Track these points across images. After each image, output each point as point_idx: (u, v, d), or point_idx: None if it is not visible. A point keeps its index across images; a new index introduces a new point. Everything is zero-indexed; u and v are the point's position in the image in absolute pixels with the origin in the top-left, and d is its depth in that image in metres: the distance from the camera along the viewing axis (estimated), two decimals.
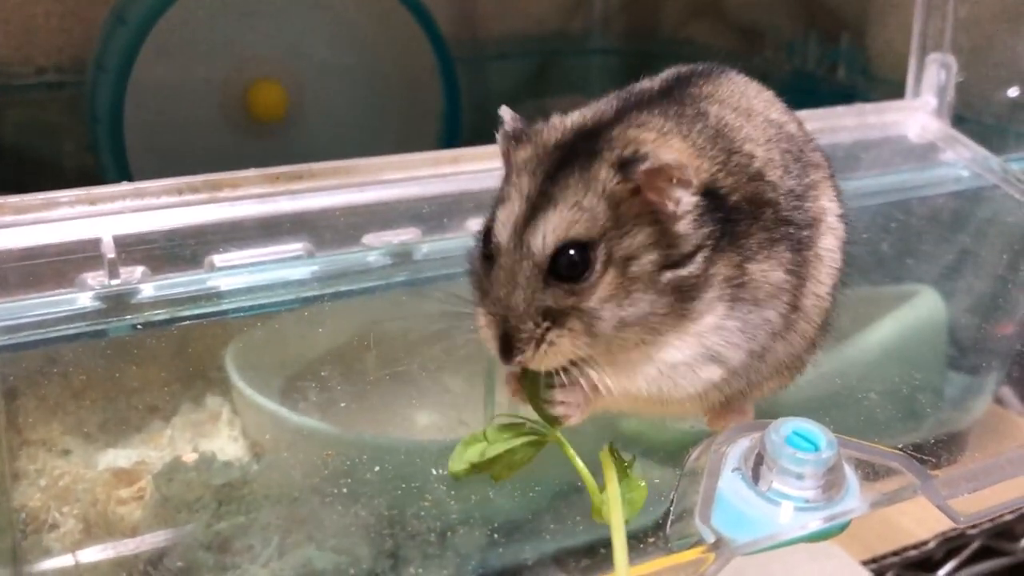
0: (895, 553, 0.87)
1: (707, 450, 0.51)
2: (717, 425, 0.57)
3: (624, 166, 0.49)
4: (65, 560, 0.69)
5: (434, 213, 0.69)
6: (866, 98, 1.31)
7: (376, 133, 1.42)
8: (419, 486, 0.70)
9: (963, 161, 0.87)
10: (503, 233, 0.50)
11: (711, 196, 0.50)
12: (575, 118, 0.53)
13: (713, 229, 0.50)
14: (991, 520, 0.85)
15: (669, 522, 0.49)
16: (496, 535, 0.73)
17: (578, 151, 0.50)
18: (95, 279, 0.61)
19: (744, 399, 0.57)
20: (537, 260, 0.49)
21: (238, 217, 0.66)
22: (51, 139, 1.38)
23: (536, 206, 0.49)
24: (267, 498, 0.75)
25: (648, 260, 0.50)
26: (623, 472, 0.53)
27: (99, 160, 1.22)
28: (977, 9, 0.95)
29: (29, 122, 1.37)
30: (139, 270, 0.62)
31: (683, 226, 0.50)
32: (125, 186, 0.64)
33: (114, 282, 0.61)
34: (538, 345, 0.50)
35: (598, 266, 0.49)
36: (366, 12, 1.33)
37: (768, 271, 0.52)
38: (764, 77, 1.45)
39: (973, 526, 0.87)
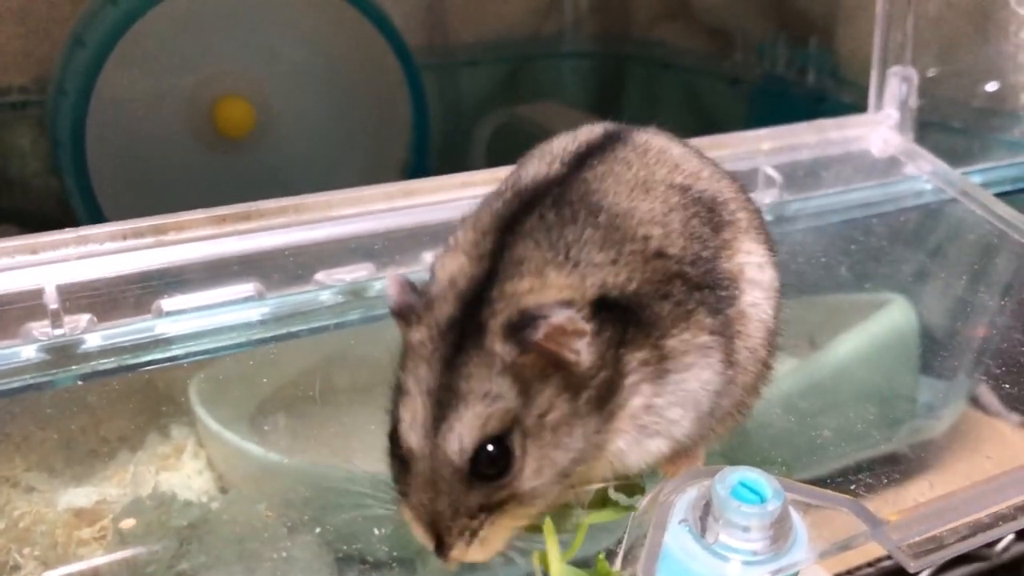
0: (869, 564, 0.86)
1: (655, 500, 0.51)
2: (668, 470, 0.57)
3: (516, 334, 0.47)
4: None
5: (387, 248, 0.69)
6: (835, 101, 1.31)
7: (345, 146, 1.41)
8: (386, 515, 0.70)
9: (925, 175, 0.87)
10: (413, 437, 0.48)
11: (604, 303, 0.49)
12: (458, 274, 0.50)
13: (613, 333, 0.49)
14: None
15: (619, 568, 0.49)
16: (467, 563, 0.72)
17: (467, 327, 0.48)
18: (39, 330, 0.60)
19: (695, 443, 0.57)
20: (457, 466, 0.47)
21: (185, 260, 0.65)
22: (16, 159, 1.37)
23: (442, 403, 0.47)
24: (231, 535, 0.74)
25: (562, 403, 0.48)
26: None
27: (63, 183, 1.21)
28: (940, 18, 0.95)
29: None
30: (85, 318, 0.61)
31: (585, 359, 0.48)
32: (67, 233, 0.63)
33: (58, 332, 0.60)
34: (472, 539, 0.48)
35: (518, 451, 0.47)
36: (331, 26, 1.33)
37: (690, 338, 0.51)
38: (735, 80, 1.45)
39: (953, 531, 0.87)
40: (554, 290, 0.48)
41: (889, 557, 0.84)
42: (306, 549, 0.73)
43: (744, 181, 0.81)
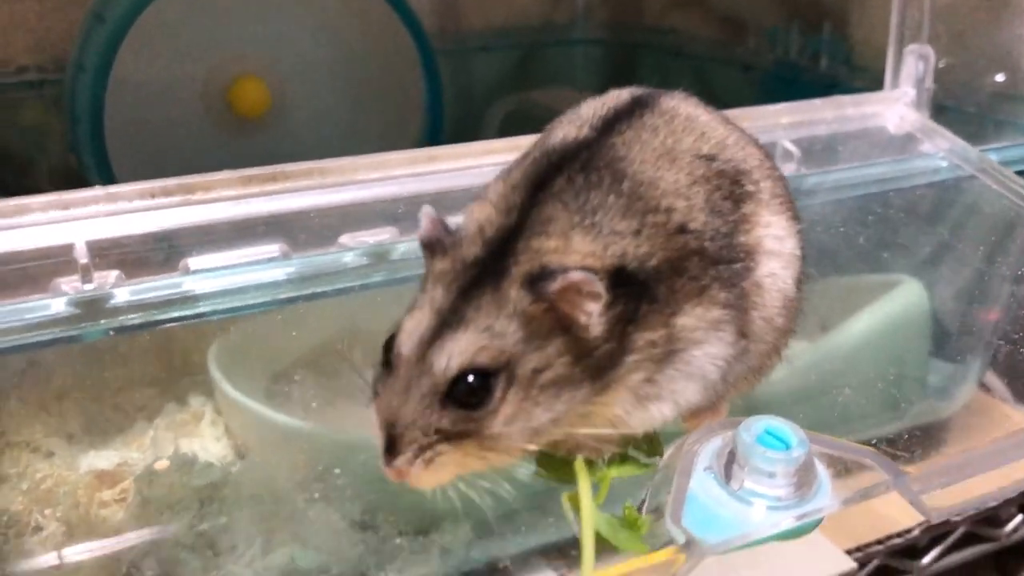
0: (879, 541, 0.87)
1: (679, 449, 0.51)
2: (691, 424, 0.57)
3: (533, 284, 0.48)
4: (48, 562, 0.69)
5: (410, 212, 0.69)
6: (848, 88, 1.31)
7: (359, 127, 1.42)
8: (401, 483, 0.70)
9: (941, 152, 0.88)
10: (407, 344, 0.49)
11: (622, 276, 0.50)
12: (486, 222, 0.51)
13: (625, 309, 0.50)
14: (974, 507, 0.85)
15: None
16: (480, 530, 0.73)
17: (489, 268, 0.49)
18: (69, 284, 0.61)
19: (719, 398, 0.57)
20: (436, 381, 0.48)
21: (212, 220, 0.65)
22: (33, 138, 1.38)
23: (446, 322, 0.48)
24: (250, 498, 0.75)
25: (560, 364, 0.49)
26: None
27: (80, 160, 1.22)
28: (955, 2, 0.95)
29: (11, 121, 1.37)
30: (113, 274, 0.62)
31: (595, 327, 0.49)
32: (98, 191, 0.64)
33: (88, 287, 0.61)
34: (421, 454, 0.48)
35: (497, 392, 0.48)
36: (348, 7, 1.33)
37: (703, 313, 0.52)
38: (747, 67, 1.46)
39: (957, 513, 0.87)
40: (577, 255, 0.49)
41: (899, 535, 0.85)
42: (323, 514, 0.73)
43: None
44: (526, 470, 0.54)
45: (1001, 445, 0.54)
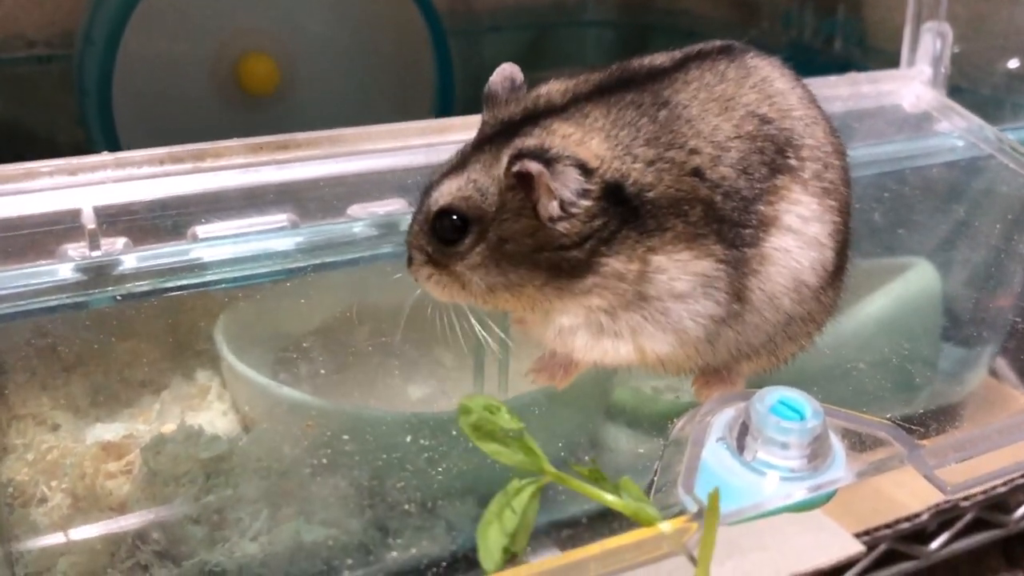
0: (888, 525, 0.86)
1: (692, 420, 0.51)
2: (703, 395, 0.57)
3: (514, 158, 0.51)
4: (54, 534, 0.69)
5: (421, 184, 0.68)
6: (863, 70, 1.30)
7: (369, 106, 1.41)
8: (406, 457, 0.70)
9: (958, 131, 0.86)
10: (432, 178, 0.57)
11: (618, 193, 0.52)
12: (542, 95, 0.56)
13: (607, 222, 0.51)
14: (984, 492, 0.84)
15: (653, 492, 0.49)
16: (485, 506, 0.72)
17: (509, 132, 0.53)
18: (76, 250, 0.61)
19: (730, 371, 0.57)
20: (428, 212, 0.55)
21: (221, 187, 0.65)
22: (42, 113, 1.37)
23: (455, 167, 0.55)
24: (256, 471, 0.75)
25: (524, 243, 0.52)
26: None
27: (88, 134, 1.21)
28: None
29: (20, 96, 1.36)
30: (121, 241, 0.61)
31: (562, 225, 0.52)
32: (106, 156, 0.63)
33: (95, 253, 0.60)
34: (419, 269, 0.56)
35: (468, 240, 0.53)
36: None
37: (688, 260, 0.52)
38: (761, 48, 1.44)
39: (966, 498, 0.87)
40: (585, 149, 0.51)
41: (907, 519, 0.84)
42: (328, 487, 0.73)
43: None
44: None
45: (1017, 420, 0.53)
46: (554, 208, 0.51)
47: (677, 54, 0.58)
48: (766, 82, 0.57)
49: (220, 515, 0.72)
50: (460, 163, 0.55)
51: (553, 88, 0.56)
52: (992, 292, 0.88)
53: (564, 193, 0.50)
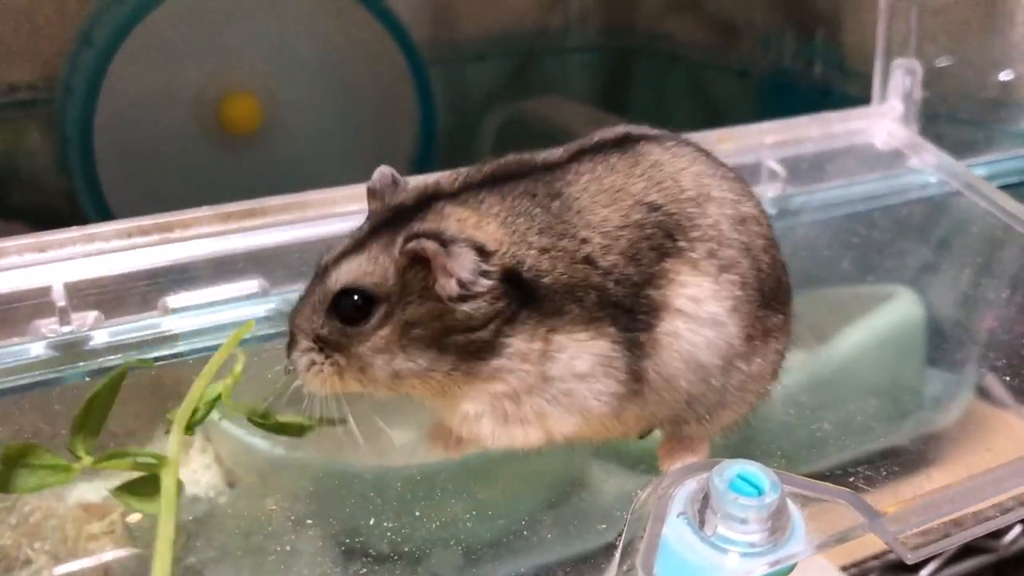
0: (875, 557, 0.87)
1: (655, 491, 0.51)
2: (666, 464, 0.57)
3: (408, 239, 0.52)
4: None
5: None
6: (841, 93, 1.31)
7: (352, 141, 1.41)
8: (392, 509, 0.70)
9: (929, 168, 0.87)
10: (323, 260, 0.56)
11: (515, 278, 0.52)
12: (432, 182, 0.56)
13: (507, 305, 0.52)
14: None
15: (615, 569, 0.49)
16: (472, 555, 0.73)
17: (402, 216, 0.54)
18: (47, 327, 0.61)
19: (691, 437, 0.57)
20: (327, 292, 0.54)
21: (191, 257, 0.65)
22: (25, 156, 1.38)
23: (352, 249, 0.54)
24: (238, 529, 0.75)
25: (430, 327, 0.53)
26: None
27: (70, 180, 1.22)
28: (945, 9, 0.95)
29: (3, 140, 1.37)
30: (92, 315, 0.62)
31: (467, 306, 0.52)
32: (74, 232, 0.64)
33: (66, 329, 0.61)
34: (302, 357, 0.55)
35: (374, 320, 0.53)
36: (337, 21, 1.33)
37: (586, 341, 0.53)
38: (742, 73, 1.45)
39: (955, 523, 0.87)
40: (481, 233, 0.53)
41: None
42: (311, 543, 0.73)
43: (748, 175, 0.81)
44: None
45: (978, 482, 0.53)
46: (452, 287, 0.51)
47: (573, 146, 0.59)
48: (655, 167, 0.57)
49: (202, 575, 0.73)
50: (358, 245, 0.54)
51: (443, 178, 0.57)
52: (972, 321, 0.88)
53: (462, 273, 0.51)
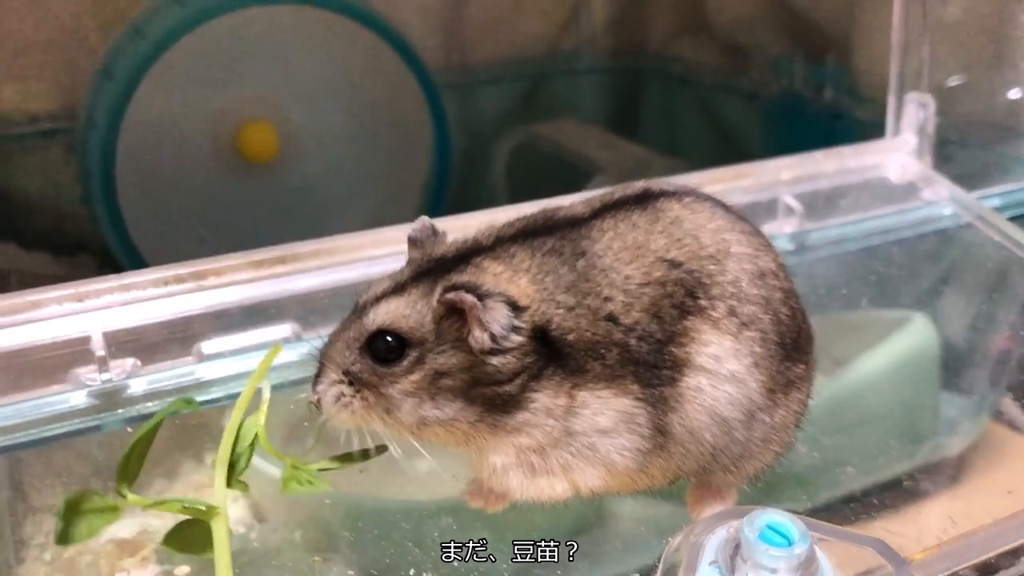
0: None
1: (686, 539, 0.52)
2: (696, 511, 0.58)
3: (447, 289, 0.53)
4: None
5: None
6: (851, 118, 1.32)
7: (367, 167, 1.43)
8: (418, 544, 0.71)
9: (942, 200, 0.88)
10: (363, 298, 0.57)
11: (543, 333, 0.54)
12: (469, 237, 0.58)
13: (533, 363, 0.54)
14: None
15: None
16: None
17: (442, 267, 0.56)
18: (87, 375, 0.63)
19: (719, 485, 0.59)
20: (364, 329, 0.55)
21: (224, 304, 0.67)
22: (46, 185, 1.40)
23: (391, 292, 0.56)
24: (269, 565, 0.76)
25: (459, 377, 0.54)
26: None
27: (92, 211, 1.24)
28: (957, 39, 0.96)
29: (25, 170, 1.39)
30: (129, 362, 0.64)
31: (496, 359, 0.53)
32: (111, 281, 0.65)
33: (105, 377, 0.62)
34: (329, 389, 0.56)
35: (406, 363, 0.54)
36: (351, 50, 1.34)
37: (610, 398, 0.55)
38: (752, 96, 1.46)
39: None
40: (514, 288, 0.54)
41: None
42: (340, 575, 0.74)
43: (765, 211, 0.83)
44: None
45: (1003, 526, 0.55)
46: (485, 340, 0.53)
47: (595, 201, 0.60)
48: (675, 224, 0.58)
49: None
50: (398, 288, 0.56)
51: (480, 232, 0.58)
52: (985, 347, 0.89)
53: (494, 327, 0.53)
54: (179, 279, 0.66)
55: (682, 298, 0.56)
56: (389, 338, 0.54)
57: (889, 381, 0.87)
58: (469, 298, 0.52)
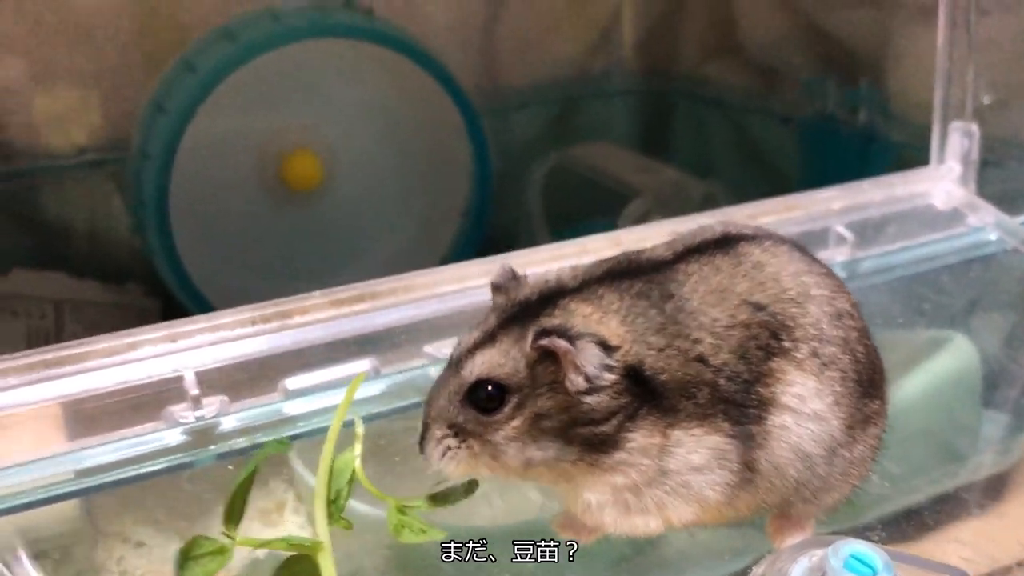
0: None
1: (771, 569, 0.55)
2: (777, 540, 0.61)
3: (538, 335, 0.55)
4: None
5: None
6: (886, 140, 1.34)
7: (407, 193, 1.46)
8: (493, 570, 0.73)
9: (987, 226, 0.90)
10: (456, 352, 0.59)
11: (636, 374, 0.56)
12: (549, 279, 0.60)
13: (628, 403, 0.56)
14: None
15: None
16: None
17: (529, 311, 0.58)
18: (180, 412, 0.65)
19: (799, 515, 0.61)
20: (463, 382, 0.57)
21: (307, 341, 0.69)
22: (93, 215, 1.42)
23: (484, 341, 0.58)
24: None
25: (558, 419, 0.56)
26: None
27: (145, 241, 1.26)
28: (1002, 61, 0.98)
29: (72, 202, 1.41)
30: (219, 400, 0.66)
31: (591, 399, 0.55)
32: (201, 321, 0.67)
33: (198, 414, 0.65)
34: (437, 445, 0.58)
35: (507, 409, 0.56)
36: (389, 77, 1.37)
37: (702, 435, 0.57)
38: (786, 119, 1.47)
39: None
40: (604, 328, 0.56)
41: None
42: None
43: (816, 240, 0.85)
44: None
45: None
46: (580, 382, 0.55)
47: (678, 246, 0.62)
48: (757, 268, 0.61)
49: None
50: (489, 337, 0.58)
51: (562, 273, 0.60)
52: None
53: (588, 368, 0.55)
54: (265, 318, 0.68)
55: (767, 340, 0.58)
56: (489, 387, 0.56)
57: (930, 402, 0.89)
58: (562, 343, 0.54)
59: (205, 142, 1.24)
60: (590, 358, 0.55)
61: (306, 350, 0.69)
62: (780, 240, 0.64)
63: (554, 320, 0.56)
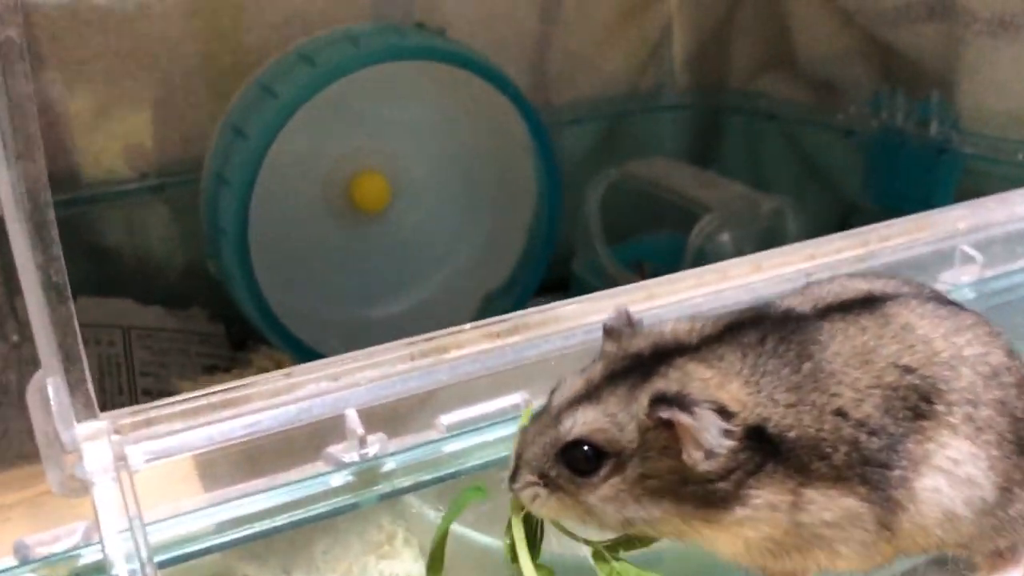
0: None
1: None
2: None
3: (654, 402, 0.52)
4: None
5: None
6: (957, 152, 1.34)
7: (474, 213, 1.45)
8: None
9: None
10: (557, 399, 0.57)
11: (759, 432, 0.53)
12: (669, 332, 0.57)
13: (751, 458, 0.53)
14: None
15: None
16: None
17: (642, 366, 0.55)
18: (342, 452, 0.63)
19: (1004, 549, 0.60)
20: (559, 437, 0.55)
21: (464, 375, 0.68)
22: (154, 240, 1.41)
23: (588, 394, 0.55)
24: None
25: (668, 479, 0.53)
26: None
27: (222, 266, 1.25)
28: None
29: (136, 227, 1.40)
30: (381, 438, 0.64)
31: (705, 464, 0.52)
32: (361, 359, 0.66)
33: (363, 452, 0.63)
34: (530, 488, 0.56)
35: (603, 472, 0.54)
36: (458, 98, 1.36)
37: (836, 496, 0.54)
38: (849, 132, 1.47)
39: None
40: (724, 394, 0.53)
41: None
42: None
43: (942, 261, 0.84)
44: None
45: None
46: (699, 456, 0.52)
47: (818, 302, 0.60)
48: (906, 330, 0.58)
49: None
50: (592, 392, 0.55)
51: (677, 326, 0.57)
52: None
53: (706, 438, 0.52)
54: (424, 353, 0.67)
55: (916, 402, 0.56)
56: (586, 448, 0.54)
57: None
58: (685, 418, 0.51)
59: (280, 166, 1.22)
60: (708, 427, 0.52)
61: (463, 384, 0.68)
62: (926, 297, 0.61)
63: (671, 384, 0.53)
